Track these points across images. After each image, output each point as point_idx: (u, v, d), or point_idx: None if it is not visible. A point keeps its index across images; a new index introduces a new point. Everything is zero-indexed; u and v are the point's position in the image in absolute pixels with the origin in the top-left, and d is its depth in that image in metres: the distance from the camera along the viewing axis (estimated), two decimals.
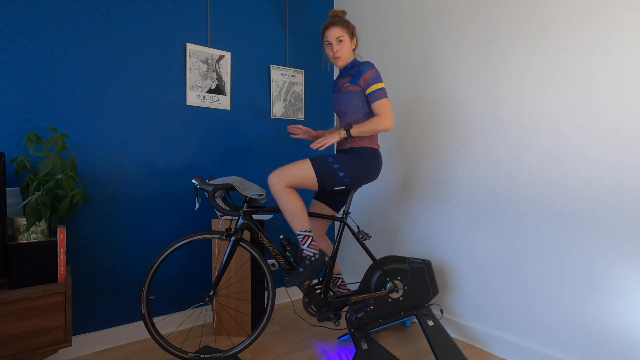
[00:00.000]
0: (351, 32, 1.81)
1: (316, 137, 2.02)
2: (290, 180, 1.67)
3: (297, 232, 1.69)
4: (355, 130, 1.71)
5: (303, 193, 2.79)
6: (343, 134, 1.73)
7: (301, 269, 1.66)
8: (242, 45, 2.45)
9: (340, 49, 1.78)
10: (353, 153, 1.76)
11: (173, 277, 2.19)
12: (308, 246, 1.69)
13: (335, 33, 1.77)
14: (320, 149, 1.73)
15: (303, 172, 1.68)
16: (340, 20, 1.79)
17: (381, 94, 1.71)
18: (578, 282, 1.61)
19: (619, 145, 1.48)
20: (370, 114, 1.80)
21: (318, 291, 1.81)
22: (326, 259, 1.69)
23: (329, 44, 1.80)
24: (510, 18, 1.83)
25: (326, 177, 1.70)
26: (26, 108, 1.76)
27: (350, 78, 1.79)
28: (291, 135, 1.97)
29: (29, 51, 1.76)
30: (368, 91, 1.73)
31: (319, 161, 1.70)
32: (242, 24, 2.45)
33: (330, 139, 1.71)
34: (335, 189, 1.75)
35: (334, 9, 2.91)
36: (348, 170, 1.71)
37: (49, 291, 1.46)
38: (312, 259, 1.67)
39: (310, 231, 1.70)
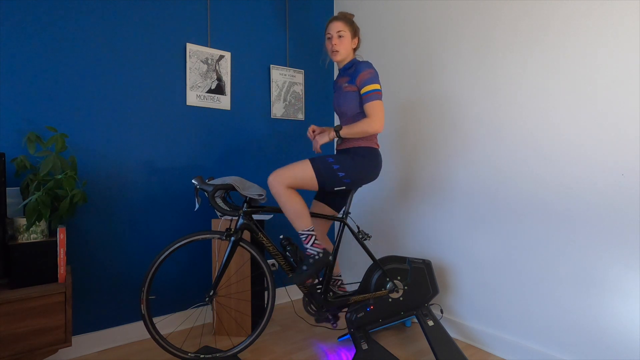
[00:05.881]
0: (354, 30, 1.81)
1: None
2: (290, 181, 1.67)
3: (299, 231, 1.69)
4: (344, 132, 1.72)
5: (304, 195, 2.78)
6: (333, 135, 1.74)
7: (305, 267, 1.67)
8: (242, 45, 2.45)
9: (339, 44, 1.78)
10: (352, 153, 1.76)
11: (173, 277, 2.19)
12: (312, 245, 1.69)
13: (337, 27, 1.77)
14: (318, 151, 1.76)
15: (303, 172, 1.68)
16: (345, 17, 1.80)
17: (374, 95, 1.70)
18: (577, 282, 1.61)
19: (619, 146, 1.48)
20: (364, 115, 1.78)
21: (319, 291, 1.81)
22: (330, 257, 1.70)
23: (330, 37, 1.80)
24: (508, 18, 1.82)
25: (326, 178, 1.70)
26: (26, 108, 1.76)
27: (348, 78, 1.78)
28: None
29: (28, 51, 1.76)
30: (362, 91, 1.72)
31: (319, 161, 1.70)
32: (242, 24, 2.45)
33: (320, 140, 1.75)
34: (335, 189, 1.75)
35: (334, 9, 2.93)
36: (348, 170, 1.71)
37: (49, 291, 1.45)
38: (316, 257, 1.68)
39: (313, 230, 1.70)
